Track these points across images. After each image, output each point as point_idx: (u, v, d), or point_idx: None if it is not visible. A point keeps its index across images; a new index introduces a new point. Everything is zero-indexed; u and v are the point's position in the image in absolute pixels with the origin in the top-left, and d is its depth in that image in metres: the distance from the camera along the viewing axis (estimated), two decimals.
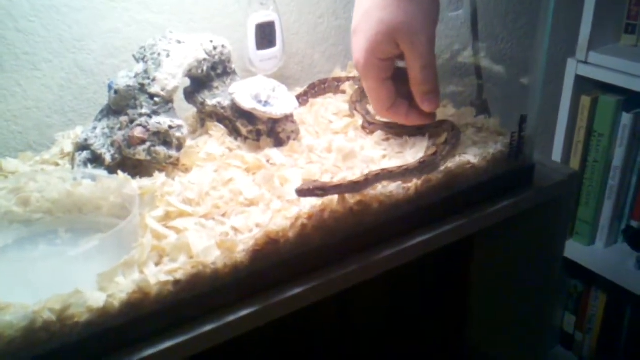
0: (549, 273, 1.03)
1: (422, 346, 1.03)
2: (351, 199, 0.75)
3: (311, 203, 0.74)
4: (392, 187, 0.78)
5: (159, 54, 0.85)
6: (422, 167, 0.80)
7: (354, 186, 0.75)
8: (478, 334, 1.10)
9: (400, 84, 0.85)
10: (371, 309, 0.87)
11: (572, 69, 1.49)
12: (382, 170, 0.78)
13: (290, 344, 0.79)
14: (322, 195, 0.73)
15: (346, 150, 0.85)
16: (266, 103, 0.90)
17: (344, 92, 1.06)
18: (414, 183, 0.79)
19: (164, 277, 0.64)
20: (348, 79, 1.08)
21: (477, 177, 0.85)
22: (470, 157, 0.85)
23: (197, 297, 0.66)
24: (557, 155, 1.59)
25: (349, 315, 0.84)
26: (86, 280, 0.62)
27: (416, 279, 0.89)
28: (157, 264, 0.67)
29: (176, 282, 0.64)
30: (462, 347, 1.10)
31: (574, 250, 1.61)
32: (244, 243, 0.68)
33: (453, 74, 1.10)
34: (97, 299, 0.60)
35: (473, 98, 1.03)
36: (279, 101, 0.90)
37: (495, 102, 1.02)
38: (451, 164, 0.83)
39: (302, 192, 0.72)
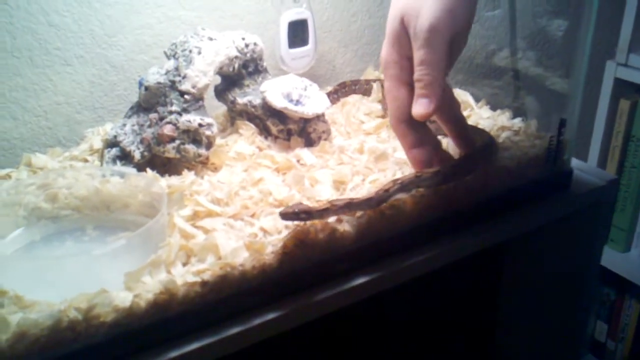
0: (584, 281, 1.00)
1: (451, 354, 1.01)
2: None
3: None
4: (423, 189, 0.76)
5: (190, 51, 0.84)
6: (402, 188, 0.73)
7: (339, 211, 0.70)
8: (508, 341, 1.07)
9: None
10: (400, 316, 0.85)
11: (611, 71, 1.45)
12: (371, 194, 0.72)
13: (317, 349, 0.77)
14: (307, 219, 0.68)
15: (378, 152, 0.84)
16: (297, 102, 0.88)
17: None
18: (448, 187, 0.77)
19: (191, 278, 0.62)
20: (380, 80, 1.06)
21: (513, 181, 0.83)
22: (506, 161, 0.82)
23: (224, 299, 0.64)
24: (593, 159, 1.55)
25: (377, 321, 0.82)
26: (112, 279, 0.61)
27: (449, 284, 0.86)
28: (184, 264, 0.65)
29: (204, 284, 0.63)
30: (492, 355, 1.08)
31: (607, 257, 1.57)
32: (272, 245, 0.67)
33: (489, 75, 1.08)
34: (123, 299, 0.59)
35: (510, 100, 1.00)
36: (310, 100, 0.89)
37: (533, 105, 0.99)
38: (485, 169, 0.80)
39: (287, 216, 0.67)
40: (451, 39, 0.71)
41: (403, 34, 0.73)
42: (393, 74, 0.75)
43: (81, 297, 0.58)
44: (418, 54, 0.71)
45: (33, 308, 0.58)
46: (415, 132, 0.76)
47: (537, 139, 0.88)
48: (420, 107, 0.72)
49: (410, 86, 0.75)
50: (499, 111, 0.97)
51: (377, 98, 1.02)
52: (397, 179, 0.73)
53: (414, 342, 0.93)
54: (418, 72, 0.71)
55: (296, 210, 0.67)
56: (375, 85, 1.04)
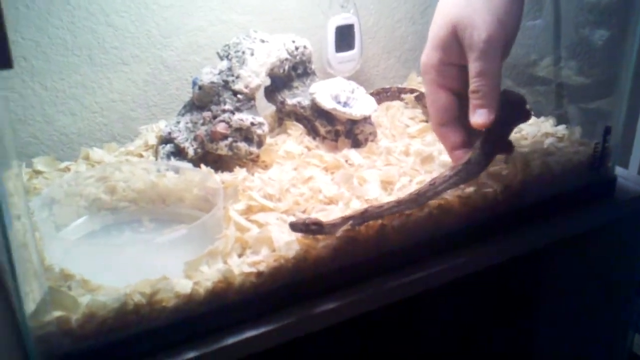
0: (624, 291, 1.00)
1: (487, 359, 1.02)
2: (430, 203, 0.75)
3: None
4: (469, 192, 0.78)
5: (243, 52, 0.87)
6: (418, 198, 0.74)
7: (351, 221, 0.69)
8: (545, 350, 1.08)
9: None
10: (439, 317, 0.86)
11: None
12: (380, 204, 0.72)
13: (362, 343, 0.79)
14: (317, 232, 0.68)
15: (424, 154, 0.86)
16: (345, 104, 0.91)
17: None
18: (493, 190, 0.79)
19: (247, 269, 0.65)
20: (412, 90, 1.07)
21: (557, 187, 0.84)
22: (550, 166, 0.84)
23: (278, 289, 0.67)
24: (634, 167, 1.54)
25: (416, 322, 0.84)
26: (170, 267, 0.64)
27: (488, 287, 0.88)
28: (239, 256, 0.68)
29: (259, 274, 0.65)
30: None
31: None
32: (324, 240, 0.69)
33: (532, 83, 1.09)
34: (184, 286, 0.62)
35: (553, 108, 1.02)
36: (358, 102, 0.91)
37: (576, 112, 1.00)
38: (532, 172, 0.82)
39: (296, 227, 0.67)
40: (505, 47, 0.73)
41: (452, 42, 0.75)
42: (432, 79, 0.78)
43: (145, 282, 0.61)
44: (475, 65, 0.73)
45: (99, 291, 0.61)
46: (457, 134, 0.79)
47: (581, 145, 0.89)
48: (479, 118, 0.74)
49: (448, 91, 0.78)
50: (542, 118, 0.98)
51: (412, 105, 1.04)
52: (425, 185, 0.74)
53: (450, 345, 0.94)
54: (476, 83, 0.73)
55: (307, 222, 0.67)
56: (405, 96, 1.06)
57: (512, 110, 0.77)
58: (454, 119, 0.79)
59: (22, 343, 0.59)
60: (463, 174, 0.76)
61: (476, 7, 0.73)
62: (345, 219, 0.69)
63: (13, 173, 0.54)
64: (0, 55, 0.43)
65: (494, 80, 0.73)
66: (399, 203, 0.72)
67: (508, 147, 0.79)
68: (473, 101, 0.74)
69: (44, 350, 0.57)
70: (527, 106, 0.80)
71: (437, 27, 0.76)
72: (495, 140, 0.77)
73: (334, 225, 0.69)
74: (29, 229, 0.56)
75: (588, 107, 0.99)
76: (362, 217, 0.70)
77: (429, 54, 0.78)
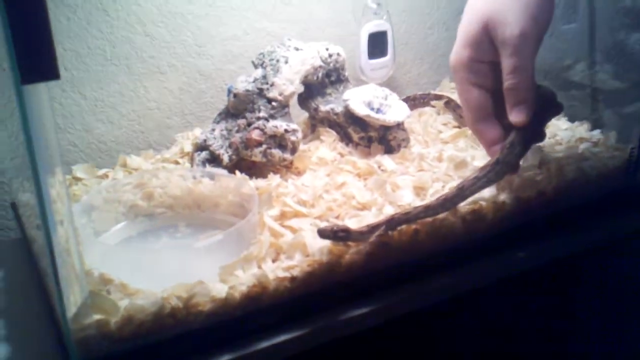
0: None
1: None
2: (462, 208, 0.75)
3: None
4: (503, 197, 0.78)
5: (277, 60, 0.88)
6: (453, 200, 0.74)
7: (378, 230, 0.70)
8: (581, 357, 1.06)
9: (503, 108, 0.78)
10: (473, 322, 0.86)
11: None
12: (406, 211, 0.72)
13: (395, 348, 0.79)
14: (345, 240, 0.69)
15: (457, 160, 0.86)
16: (378, 110, 0.91)
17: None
18: (527, 195, 0.79)
19: (281, 273, 0.66)
20: (437, 96, 1.07)
21: (591, 192, 0.84)
22: (584, 172, 0.83)
23: (311, 294, 0.67)
24: None
25: (451, 326, 0.84)
26: (205, 272, 0.65)
27: (523, 293, 0.87)
28: (273, 261, 0.69)
29: (293, 279, 0.66)
30: None
31: None
32: (357, 245, 0.70)
33: (566, 87, 1.08)
34: (219, 290, 0.63)
35: (588, 112, 1.01)
36: (391, 109, 0.92)
37: (612, 117, 1.00)
38: (566, 178, 0.81)
39: (324, 233, 0.68)
40: (538, 42, 0.73)
41: (484, 39, 0.75)
42: (464, 77, 0.78)
43: (181, 286, 0.62)
44: (509, 62, 0.73)
45: (137, 295, 0.62)
46: (493, 130, 0.78)
47: (616, 150, 0.88)
48: (519, 114, 0.74)
49: (481, 88, 0.77)
50: (577, 123, 0.97)
51: (444, 111, 1.05)
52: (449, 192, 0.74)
53: (485, 350, 0.94)
54: (511, 80, 0.73)
55: (335, 229, 0.68)
56: (435, 102, 1.07)
57: (543, 105, 0.77)
58: (489, 115, 0.78)
59: (63, 345, 0.61)
60: (492, 175, 0.76)
61: (508, 3, 0.73)
62: (372, 228, 0.69)
63: (57, 180, 0.56)
64: (50, 68, 0.45)
65: (529, 76, 0.73)
66: (427, 208, 0.73)
67: (541, 135, 0.79)
68: (510, 99, 0.74)
69: (84, 353, 0.58)
70: (558, 101, 0.80)
71: (468, 24, 0.76)
72: (526, 137, 0.76)
73: (362, 233, 0.69)
74: (72, 235, 0.58)
75: (624, 112, 0.98)
76: (389, 224, 0.71)
77: (459, 52, 0.78)
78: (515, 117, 0.75)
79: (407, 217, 0.72)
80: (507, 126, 0.78)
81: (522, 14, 0.72)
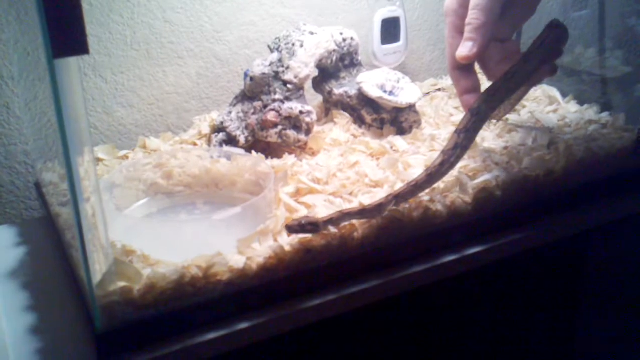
0: None
1: (530, 346, 1.03)
2: (474, 187, 0.77)
3: (438, 187, 0.76)
4: (512, 177, 0.80)
5: (293, 44, 0.91)
6: (421, 185, 0.74)
7: (346, 218, 0.70)
8: (588, 341, 1.08)
9: (491, 61, 0.80)
10: (481, 300, 0.88)
11: None
12: (388, 196, 0.72)
13: (406, 321, 0.81)
14: (313, 231, 0.69)
15: None
16: (391, 93, 0.94)
17: None
18: (535, 174, 0.81)
19: (297, 246, 0.68)
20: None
21: (600, 173, 0.85)
22: (593, 152, 0.85)
23: (326, 266, 0.70)
24: None
25: (459, 303, 0.86)
26: (223, 244, 0.67)
27: (527, 274, 0.89)
28: (289, 235, 0.71)
29: (307, 251, 0.69)
30: (571, 353, 1.09)
31: None
32: (370, 220, 0.72)
33: (577, 72, 1.10)
34: (237, 261, 0.66)
35: (597, 96, 1.03)
36: (403, 92, 0.94)
37: (621, 100, 1.01)
38: (574, 158, 0.83)
39: (292, 228, 0.68)
40: None
41: None
42: (451, 22, 0.80)
43: (201, 257, 0.65)
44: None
45: (158, 266, 0.65)
46: (468, 79, 0.80)
47: (625, 131, 0.90)
48: (463, 49, 0.76)
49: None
50: (586, 106, 0.99)
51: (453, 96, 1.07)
52: (411, 181, 0.74)
53: (493, 328, 0.96)
54: (469, 16, 0.76)
55: (303, 222, 0.68)
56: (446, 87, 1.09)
57: (549, 35, 0.79)
58: (468, 64, 0.79)
59: (88, 312, 0.63)
60: (454, 159, 0.75)
61: None
62: (344, 214, 0.70)
63: (85, 159, 0.58)
64: (80, 43, 0.48)
65: (486, 16, 0.75)
66: (398, 196, 0.73)
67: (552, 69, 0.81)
68: (465, 34, 0.76)
69: (108, 319, 0.61)
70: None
71: None
72: (500, 92, 0.78)
73: (330, 221, 0.69)
74: (98, 210, 0.60)
75: (634, 95, 1.00)
76: (362, 213, 0.71)
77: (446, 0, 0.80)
78: (460, 51, 0.76)
79: (379, 207, 0.71)
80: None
81: None
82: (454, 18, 0.79)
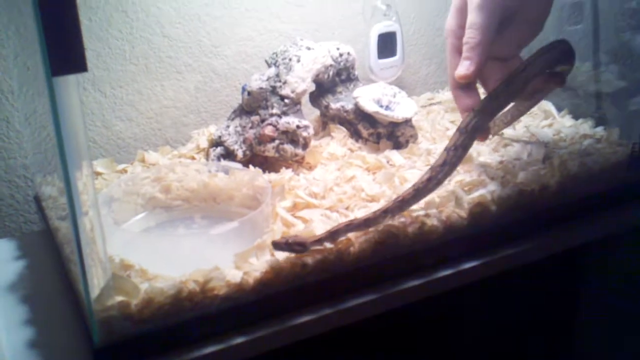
0: None
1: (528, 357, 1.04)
2: (469, 201, 0.78)
3: (433, 201, 0.77)
4: (507, 191, 0.80)
5: (290, 59, 0.92)
6: (410, 200, 0.74)
7: (335, 236, 0.71)
8: (586, 350, 1.08)
9: (491, 80, 0.79)
10: (477, 314, 0.89)
11: None
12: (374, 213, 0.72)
13: (401, 335, 0.82)
14: (300, 251, 0.69)
15: None
16: (387, 107, 0.95)
17: None
18: (531, 188, 0.81)
19: (293, 260, 0.69)
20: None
21: (594, 187, 0.86)
22: (587, 166, 0.85)
23: (322, 281, 0.70)
24: None
25: (454, 317, 0.86)
26: (220, 259, 0.68)
27: (526, 285, 0.90)
28: (272, 253, 0.72)
29: (304, 266, 0.69)
30: None
31: None
32: (366, 235, 0.73)
33: (571, 86, 1.11)
34: (234, 276, 0.66)
35: (592, 110, 1.03)
36: (399, 106, 0.95)
37: (615, 115, 1.02)
38: (569, 172, 0.84)
39: (279, 246, 0.69)
40: (504, 9, 0.76)
41: (464, 6, 0.78)
42: (451, 43, 0.81)
43: (198, 272, 0.65)
44: (469, 17, 0.76)
45: (155, 280, 0.66)
46: (469, 98, 0.80)
47: (619, 146, 0.91)
48: (461, 69, 0.77)
49: None
50: (581, 120, 1.00)
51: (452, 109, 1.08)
52: (398, 196, 0.74)
53: (489, 342, 0.96)
54: (466, 35, 0.76)
55: (290, 241, 0.68)
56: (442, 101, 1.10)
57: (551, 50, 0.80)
58: (469, 83, 0.80)
59: (86, 326, 0.64)
60: (441, 176, 0.75)
61: None
62: (331, 233, 0.70)
63: (84, 173, 0.59)
64: (79, 60, 0.48)
65: (483, 34, 0.75)
66: (385, 211, 0.73)
67: (560, 78, 0.83)
68: (462, 53, 0.77)
69: (106, 333, 0.62)
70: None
71: None
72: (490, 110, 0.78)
73: (318, 241, 0.70)
74: (96, 224, 0.61)
75: (628, 110, 1.01)
76: (347, 229, 0.71)
77: (449, 20, 0.81)
78: (458, 70, 0.77)
79: (366, 222, 0.72)
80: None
81: None
82: (453, 39, 0.80)
